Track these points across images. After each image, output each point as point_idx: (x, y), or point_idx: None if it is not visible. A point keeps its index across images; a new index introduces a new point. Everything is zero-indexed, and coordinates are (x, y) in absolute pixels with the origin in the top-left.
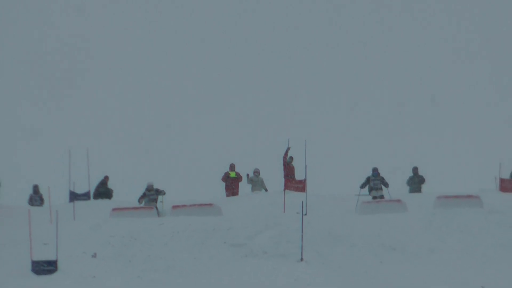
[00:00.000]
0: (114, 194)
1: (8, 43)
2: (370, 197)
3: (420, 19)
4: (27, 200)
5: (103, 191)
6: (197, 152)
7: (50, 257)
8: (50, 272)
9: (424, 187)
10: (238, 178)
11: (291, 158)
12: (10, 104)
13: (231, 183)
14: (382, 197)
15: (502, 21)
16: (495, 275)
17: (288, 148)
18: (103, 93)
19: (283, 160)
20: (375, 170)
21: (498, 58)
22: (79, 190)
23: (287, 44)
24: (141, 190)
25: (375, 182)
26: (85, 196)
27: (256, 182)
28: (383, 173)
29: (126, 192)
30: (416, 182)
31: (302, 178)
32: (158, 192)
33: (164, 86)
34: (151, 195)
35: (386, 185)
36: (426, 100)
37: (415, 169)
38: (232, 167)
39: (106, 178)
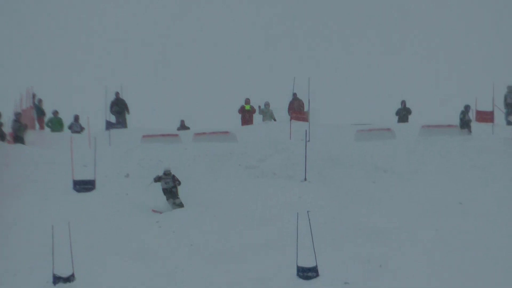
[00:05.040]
0: (128, 105)
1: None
2: (364, 126)
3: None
4: (67, 126)
5: (116, 109)
6: (218, 87)
7: (89, 177)
8: (89, 190)
9: (410, 117)
10: (252, 110)
11: (295, 94)
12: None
13: (246, 115)
14: None
15: None
16: (471, 193)
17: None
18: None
19: (289, 107)
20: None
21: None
22: (114, 120)
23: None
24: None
25: None
26: (120, 125)
27: (266, 113)
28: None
29: (156, 121)
30: (404, 113)
31: (306, 110)
32: (174, 179)
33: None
34: (167, 179)
35: None
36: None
37: (403, 102)
38: (247, 101)
39: (117, 94)
